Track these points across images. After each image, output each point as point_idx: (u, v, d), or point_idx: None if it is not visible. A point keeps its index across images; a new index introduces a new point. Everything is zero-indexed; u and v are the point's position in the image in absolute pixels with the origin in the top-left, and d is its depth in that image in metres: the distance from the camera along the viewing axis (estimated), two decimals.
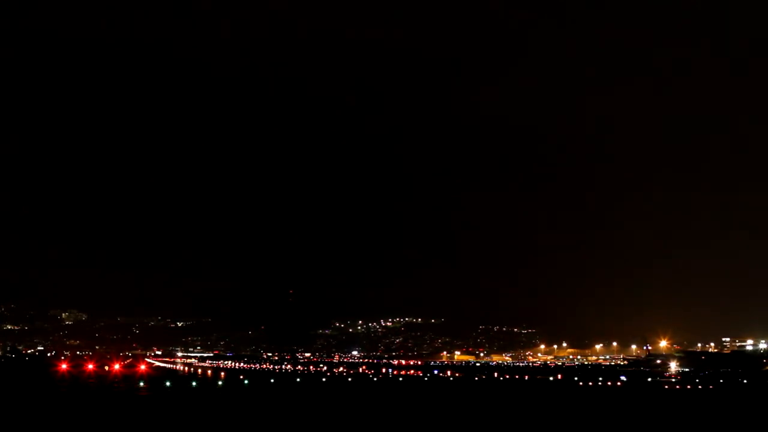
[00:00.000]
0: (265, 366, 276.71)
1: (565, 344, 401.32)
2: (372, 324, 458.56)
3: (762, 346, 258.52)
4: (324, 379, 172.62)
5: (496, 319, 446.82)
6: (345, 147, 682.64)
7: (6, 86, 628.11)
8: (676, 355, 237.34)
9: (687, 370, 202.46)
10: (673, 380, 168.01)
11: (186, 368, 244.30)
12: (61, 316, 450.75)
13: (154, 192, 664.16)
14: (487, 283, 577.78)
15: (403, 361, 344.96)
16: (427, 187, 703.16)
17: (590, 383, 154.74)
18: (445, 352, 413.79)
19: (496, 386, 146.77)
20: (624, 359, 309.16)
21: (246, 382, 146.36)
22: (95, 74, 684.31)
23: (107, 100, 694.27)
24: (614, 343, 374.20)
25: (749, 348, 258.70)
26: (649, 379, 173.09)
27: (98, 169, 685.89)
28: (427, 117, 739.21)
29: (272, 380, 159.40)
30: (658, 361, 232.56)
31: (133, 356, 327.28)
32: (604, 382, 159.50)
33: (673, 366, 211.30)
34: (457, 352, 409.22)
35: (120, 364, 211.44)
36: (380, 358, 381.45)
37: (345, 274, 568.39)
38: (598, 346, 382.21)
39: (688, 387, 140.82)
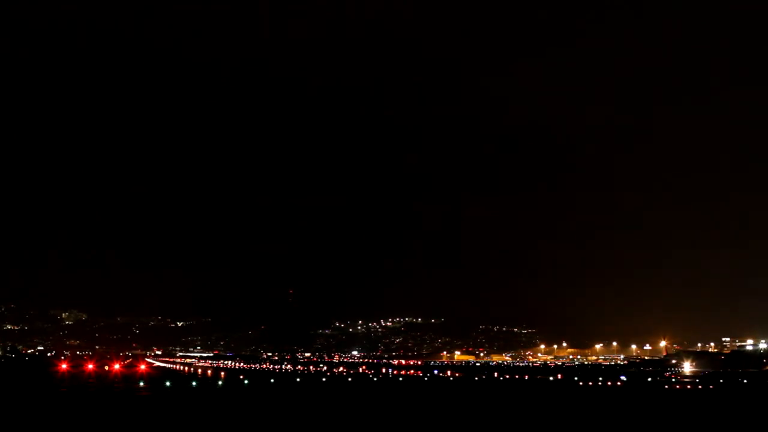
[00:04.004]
0: (265, 366, 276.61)
1: (565, 344, 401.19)
2: (372, 324, 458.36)
3: (762, 346, 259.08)
4: (324, 379, 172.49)
5: (496, 319, 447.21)
6: (345, 147, 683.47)
7: (4, 85, 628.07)
8: (692, 355, 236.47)
9: (697, 370, 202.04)
10: (674, 380, 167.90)
11: (186, 368, 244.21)
12: (61, 316, 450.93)
13: (155, 192, 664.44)
14: (488, 283, 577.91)
15: (403, 361, 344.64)
16: (428, 187, 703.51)
17: (590, 383, 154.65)
18: (445, 352, 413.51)
19: (496, 386, 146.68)
20: (624, 359, 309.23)
21: (246, 382, 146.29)
22: (93, 73, 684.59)
23: (107, 99, 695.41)
24: (614, 343, 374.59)
25: (749, 348, 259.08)
26: (649, 379, 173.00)
27: (99, 168, 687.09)
28: (427, 117, 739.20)
29: (272, 380, 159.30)
30: (673, 361, 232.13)
31: (133, 356, 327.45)
32: (604, 382, 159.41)
33: (688, 366, 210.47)
34: (457, 352, 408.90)
35: (120, 364, 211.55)
36: (380, 358, 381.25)
37: (345, 274, 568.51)
38: (598, 346, 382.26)
39: (689, 387, 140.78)
